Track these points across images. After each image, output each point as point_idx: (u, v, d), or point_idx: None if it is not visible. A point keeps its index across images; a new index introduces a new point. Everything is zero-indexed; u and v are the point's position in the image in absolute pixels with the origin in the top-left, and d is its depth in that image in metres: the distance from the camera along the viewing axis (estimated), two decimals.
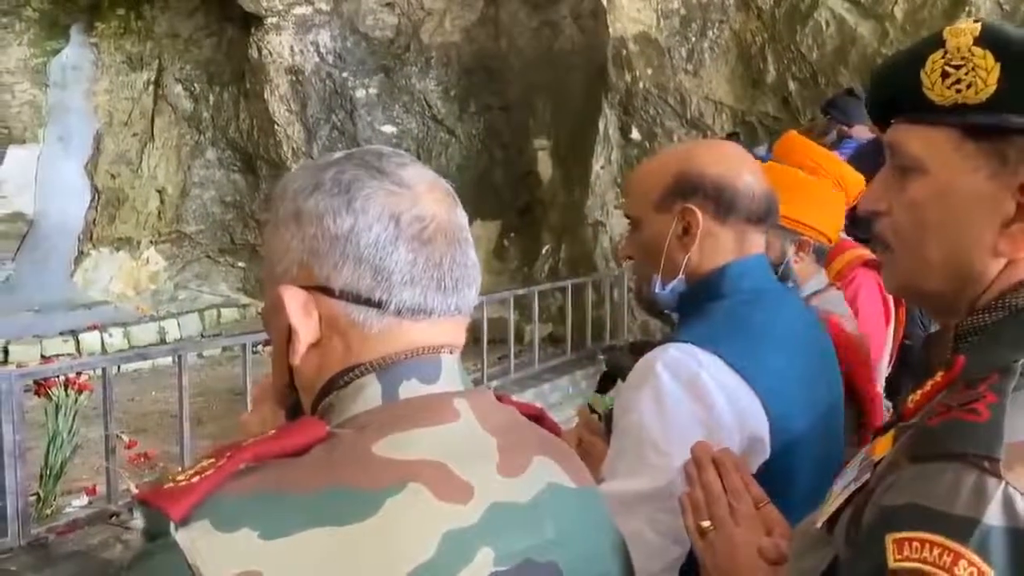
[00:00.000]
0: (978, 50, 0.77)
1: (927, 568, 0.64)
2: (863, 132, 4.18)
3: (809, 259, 1.84)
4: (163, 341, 7.81)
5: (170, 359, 5.26)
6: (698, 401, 1.12)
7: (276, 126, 8.34)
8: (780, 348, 1.20)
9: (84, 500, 3.66)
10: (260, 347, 5.99)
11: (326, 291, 0.70)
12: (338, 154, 0.75)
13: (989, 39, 0.77)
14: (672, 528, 1.09)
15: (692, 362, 1.13)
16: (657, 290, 1.27)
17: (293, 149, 8.33)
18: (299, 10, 8.04)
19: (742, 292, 1.22)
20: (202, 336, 8.07)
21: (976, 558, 0.64)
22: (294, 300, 0.70)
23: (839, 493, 0.80)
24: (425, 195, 0.72)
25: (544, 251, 7.72)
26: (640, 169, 1.36)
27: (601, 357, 6.11)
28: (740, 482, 0.99)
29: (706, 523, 0.97)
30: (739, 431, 1.12)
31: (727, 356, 1.14)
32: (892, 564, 0.66)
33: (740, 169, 1.24)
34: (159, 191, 8.99)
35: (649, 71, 6.97)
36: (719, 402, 1.12)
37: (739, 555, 0.94)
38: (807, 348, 1.25)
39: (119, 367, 4.39)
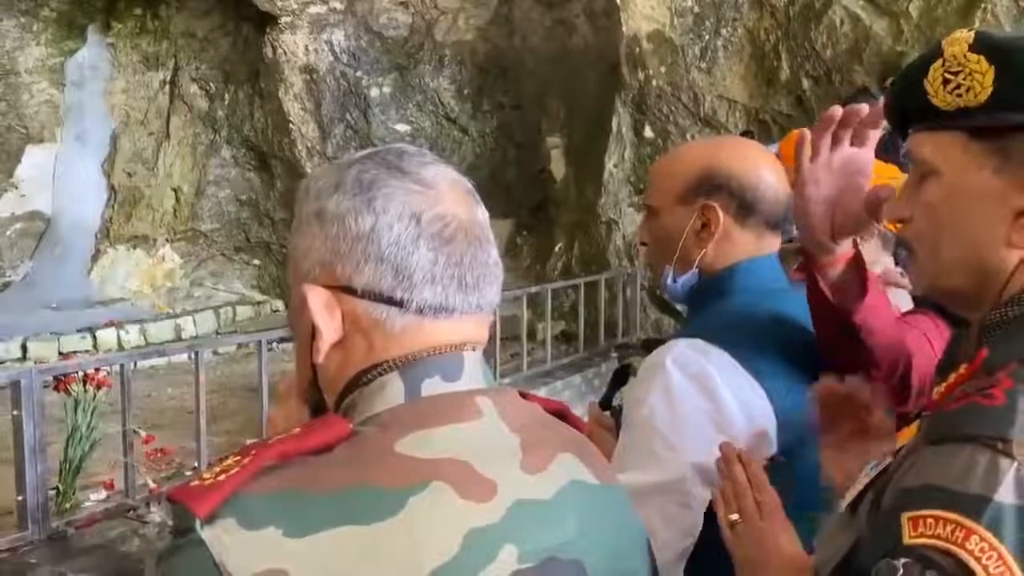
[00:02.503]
0: (973, 56, 0.82)
1: (940, 543, 0.68)
2: None
3: (874, 244, 1.79)
4: (179, 338, 7.87)
5: (186, 356, 5.32)
6: (706, 396, 1.13)
7: (291, 125, 8.38)
8: (787, 346, 1.21)
9: (102, 494, 3.70)
10: (275, 344, 6.03)
11: (348, 290, 0.70)
12: (360, 153, 0.75)
13: (982, 45, 0.83)
14: (681, 520, 1.10)
15: (701, 357, 1.14)
16: (668, 282, 1.28)
17: (307, 148, 8.38)
18: (313, 9, 8.08)
19: (751, 290, 1.23)
20: (217, 333, 8.13)
21: (987, 534, 0.67)
22: (317, 299, 0.71)
23: (863, 477, 0.85)
24: (446, 194, 0.72)
25: (557, 249, 7.73)
26: (666, 159, 1.37)
27: (614, 355, 6.11)
28: (764, 477, 1.03)
29: (734, 516, 1.01)
30: (746, 426, 1.14)
31: (735, 352, 1.15)
32: (907, 540, 0.70)
33: (765, 172, 1.25)
34: (175, 189, 9.05)
35: (663, 69, 6.96)
36: (727, 397, 1.13)
37: (766, 546, 0.98)
38: (813, 348, 1.26)
39: (136, 363, 4.43)
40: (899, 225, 0.93)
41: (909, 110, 0.88)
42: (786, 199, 1.26)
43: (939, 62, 0.84)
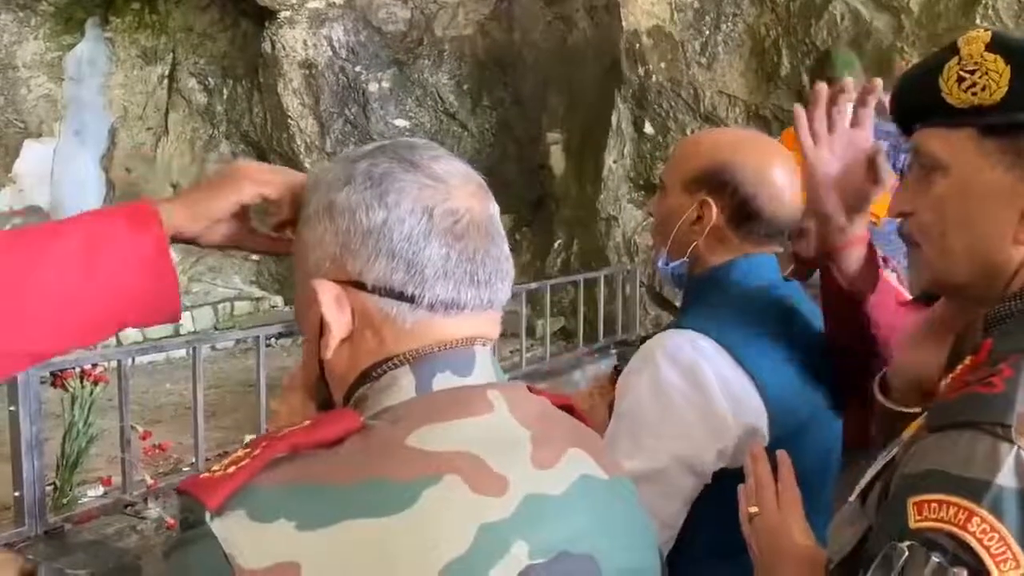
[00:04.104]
0: (990, 55, 0.84)
1: (944, 526, 0.71)
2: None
3: None
4: (177, 333, 7.85)
5: (184, 351, 5.30)
6: (694, 388, 1.13)
7: (289, 120, 8.36)
8: (781, 340, 1.21)
9: (100, 490, 3.68)
10: (273, 340, 6.01)
11: (359, 285, 0.70)
12: (370, 146, 0.75)
13: (999, 45, 0.84)
14: (662, 510, 1.11)
15: (691, 349, 1.15)
16: (660, 264, 1.30)
17: (306, 143, 8.35)
18: (312, 4, 8.05)
19: (747, 285, 1.24)
20: (215, 329, 8.11)
21: (989, 516, 0.70)
22: (327, 294, 0.70)
23: (872, 467, 0.87)
24: (458, 188, 0.72)
25: (556, 245, 7.72)
26: (690, 140, 1.39)
27: (613, 352, 6.11)
28: (792, 475, 1.05)
29: (754, 509, 1.03)
30: (735, 420, 1.14)
31: (727, 345, 1.15)
32: (912, 525, 0.72)
33: (775, 186, 1.23)
34: (173, 185, 9.03)
35: (663, 65, 6.95)
36: (715, 390, 1.13)
37: (781, 538, 1.00)
38: (808, 342, 1.26)
39: (134, 359, 4.41)
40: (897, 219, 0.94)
41: (919, 106, 0.89)
42: (788, 214, 1.24)
43: (955, 60, 0.85)
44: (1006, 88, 0.82)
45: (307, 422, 0.68)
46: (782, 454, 1.06)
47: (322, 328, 0.71)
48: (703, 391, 1.13)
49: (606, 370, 1.51)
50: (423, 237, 0.69)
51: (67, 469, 3.49)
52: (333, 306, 0.70)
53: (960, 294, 0.92)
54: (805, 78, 6.51)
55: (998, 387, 0.74)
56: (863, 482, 0.88)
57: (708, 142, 1.30)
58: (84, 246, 0.81)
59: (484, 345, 0.73)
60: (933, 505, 0.72)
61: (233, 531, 0.59)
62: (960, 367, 0.83)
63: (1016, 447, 0.71)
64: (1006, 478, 0.70)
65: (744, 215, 1.22)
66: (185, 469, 3.95)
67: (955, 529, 0.70)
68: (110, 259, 0.82)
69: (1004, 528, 0.69)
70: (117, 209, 0.87)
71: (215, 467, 0.64)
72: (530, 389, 0.77)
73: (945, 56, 0.87)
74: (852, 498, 0.88)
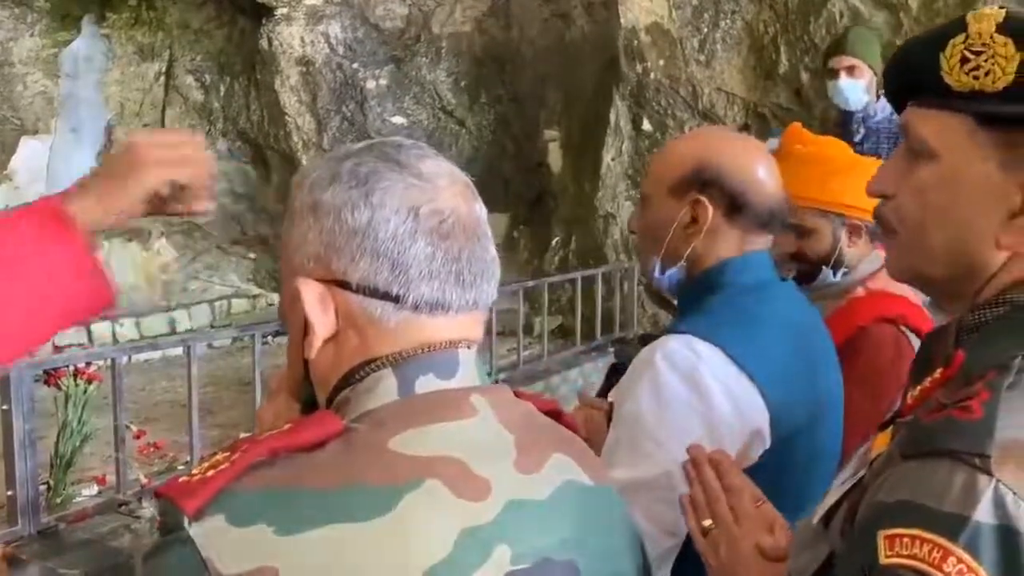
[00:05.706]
0: (1000, 37, 0.75)
1: (916, 564, 0.65)
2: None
3: (864, 241, 1.82)
4: (174, 331, 7.84)
5: (180, 349, 5.28)
6: (696, 393, 1.12)
7: (286, 117, 8.34)
8: (779, 340, 1.20)
9: (94, 489, 3.67)
10: (270, 338, 6.00)
11: (343, 285, 0.69)
12: (357, 145, 0.74)
13: (1012, 27, 0.76)
14: (666, 518, 1.10)
15: (691, 354, 1.14)
16: (656, 275, 1.28)
17: (303, 140, 8.34)
18: (309, 1, 8.03)
19: (742, 285, 1.23)
20: (212, 327, 8.10)
21: (965, 555, 0.64)
22: (310, 293, 0.70)
23: (836, 488, 0.81)
24: (444, 188, 0.71)
25: (554, 243, 7.70)
26: (664, 149, 1.36)
27: (611, 350, 6.09)
28: (739, 481, 0.99)
29: (707, 522, 0.98)
30: (739, 423, 1.13)
31: (727, 347, 1.14)
32: (883, 560, 0.66)
33: (759, 173, 1.24)
34: None
35: (661, 62, 6.93)
36: (717, 394, 1.12)
37: (742, 552, 0.95)
38: (806, 342, 1.26)
39: (130, 357, 4.39)
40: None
41: (914, 82, 0.82)
42: (777, 200, 1.25)
43: (961, 37, 0.77)
44: (1012, 76, 0.74)
45: (288, 426, 0.67)
46: (721, 455, 1.02)
47: (306, 328, 0.70)
48: (704, 395, 1.12)
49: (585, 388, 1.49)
50: (408, 237, 0.68)
51: (61, 468, 3.48)
52: (316, 305, 0.70)
53: (930, 288, 0.86)
54: (804, 75, 6.50)
55: (976, 412, 0.68)
56: (827, 504, 0.82)
57: (683, 146, 1.31)
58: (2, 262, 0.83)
59: (468, 348, 0.73)
60: (906, 540, 0.66)
61: (211, 535, 0.59)
62: (929, 379, 0.76)
63: (995, 480, 0.65)
64: (984, 514, 0.64)
65: (737, 207, 1.23)
66: (180, 468, 3.93)
67: (929, 568, 0.64)
68: (34, 272, 0.83)
69: (981, 569, 0.63)
70: (24, 218, 0.86)
71: (194, 471, 0.63)
72: (516, 393, 0.77)
73: (951, 31, 0.78)
74: (815, 520, 0.83)
